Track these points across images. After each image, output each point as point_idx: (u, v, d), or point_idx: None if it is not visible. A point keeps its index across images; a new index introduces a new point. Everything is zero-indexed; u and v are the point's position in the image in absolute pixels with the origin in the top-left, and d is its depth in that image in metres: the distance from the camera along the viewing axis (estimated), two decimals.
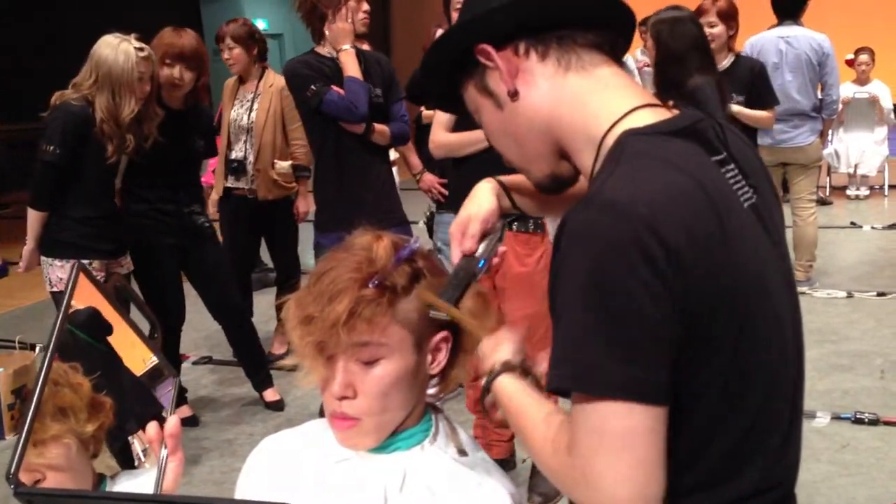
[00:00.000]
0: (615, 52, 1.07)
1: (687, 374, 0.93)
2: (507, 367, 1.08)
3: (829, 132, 7.37)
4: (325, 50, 3.24)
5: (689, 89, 3.50)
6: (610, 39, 1.07)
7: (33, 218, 3.32)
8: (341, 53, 3.15)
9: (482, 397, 1.09)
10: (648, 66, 5.87)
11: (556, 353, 0.93)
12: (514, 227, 2.88)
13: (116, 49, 3.18)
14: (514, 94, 1.06)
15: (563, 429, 0.96)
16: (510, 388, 1.07)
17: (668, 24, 3.62)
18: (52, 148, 3.17)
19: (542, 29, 1.04)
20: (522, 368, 1.08)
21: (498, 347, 1.11)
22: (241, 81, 4.49)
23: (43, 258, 3.36)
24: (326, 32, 3.19)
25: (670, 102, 1.03)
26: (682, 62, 3.56)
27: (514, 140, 1.10)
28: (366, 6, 3.20)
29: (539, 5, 1.03)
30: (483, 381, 1.08)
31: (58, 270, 3.33)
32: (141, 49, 3.24)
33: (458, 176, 3.01)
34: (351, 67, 3.12)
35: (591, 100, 1.03)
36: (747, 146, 1.10)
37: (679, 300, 0.89)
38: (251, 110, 4.40)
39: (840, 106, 5.32)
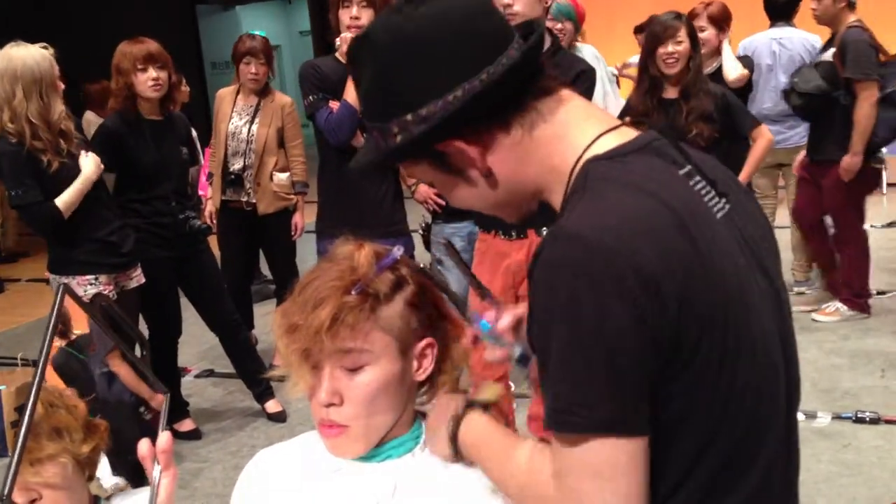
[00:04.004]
0: (560, 81, 1.05)
1: (672, 398, 0.93)
2: (470, 407, 1.12)
3: None
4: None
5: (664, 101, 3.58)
6: (552, 74, 1.05)
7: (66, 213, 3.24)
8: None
9: (453, 443, 1.12)
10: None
11: (547, 393, 0.94)
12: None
13: (32, 54, 3.19)
14: (488, 174, 1.04)
15: (543, 457, 0.98)
16: (481, 424, 1.11)
17: None
18: (20, 192, 3.17)
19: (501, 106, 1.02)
20: (482, 406, 1.13)
21: (449, 404, 1.15)
22: (237, 92, 4.50)
23: (53, 276, 3.38)
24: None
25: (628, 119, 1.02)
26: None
27: (492, 205, 1.10)
28: (353, 11, 3.10)
29: (496, 91, 0.98)
30: (450, 428, 1.12)
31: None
32: (46, 47, 3.27)
33: None
34: (349, 92, 3.15)
35: (558, 144, 1.03)
36: (709, 157, 1.09)
37: (657, 329, 0.89)
38: (252, 123, 4.42)
39: None
